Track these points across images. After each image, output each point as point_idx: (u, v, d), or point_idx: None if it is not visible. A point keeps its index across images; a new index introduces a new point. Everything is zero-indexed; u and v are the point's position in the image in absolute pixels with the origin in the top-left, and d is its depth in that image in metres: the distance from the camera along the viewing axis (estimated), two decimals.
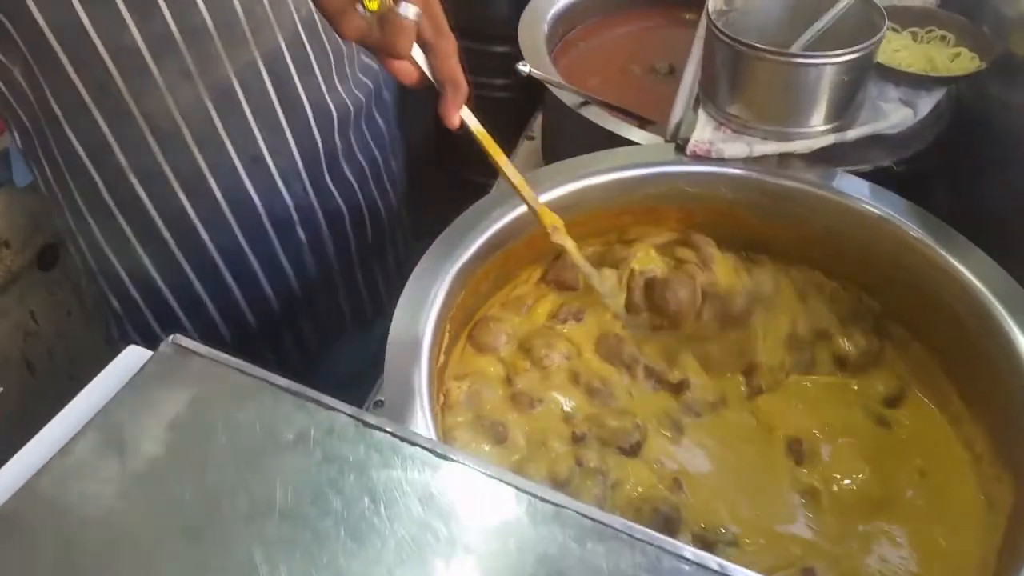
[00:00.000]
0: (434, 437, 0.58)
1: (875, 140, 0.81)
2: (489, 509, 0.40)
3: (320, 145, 0.89)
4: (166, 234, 0.84)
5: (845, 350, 0.74)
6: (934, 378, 0.73)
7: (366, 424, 0.42)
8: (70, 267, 1.19)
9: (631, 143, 0.84)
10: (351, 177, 0.95)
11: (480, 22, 1.40)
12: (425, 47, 0.64)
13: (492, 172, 0.72)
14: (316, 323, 0.98)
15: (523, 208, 0.73)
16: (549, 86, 0.90)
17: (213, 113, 0.79)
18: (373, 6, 0.59)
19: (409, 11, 0.60)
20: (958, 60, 0.85)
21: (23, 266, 1.13)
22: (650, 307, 0.75)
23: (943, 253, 0.71)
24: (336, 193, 0.93)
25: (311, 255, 0.93)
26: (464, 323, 0.74)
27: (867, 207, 0.74)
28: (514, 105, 1.63)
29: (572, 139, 0.92)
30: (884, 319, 0.77)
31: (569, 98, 0.89)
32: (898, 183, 0.76)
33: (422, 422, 0.58)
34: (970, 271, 0.69)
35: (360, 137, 0.96)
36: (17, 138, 0.84)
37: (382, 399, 0.68)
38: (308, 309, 0.96)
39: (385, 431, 0.42)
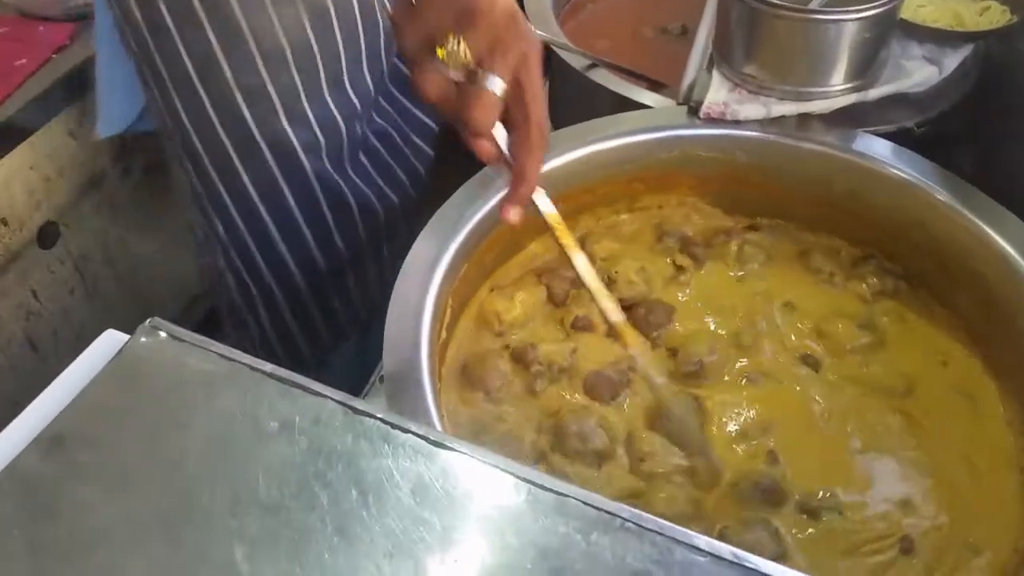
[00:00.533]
0: (434, 414, 0.55)
1: (898, 100, 0.77)
2: (486, 499, 0.38)
3: (385, 70, 0.89)
4: (268, 155, 0.84)
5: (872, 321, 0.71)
6: (961, 347, 0.70)
7: (355, 411, 0.39)
8: (71, 245, 1.17)
9: (642, 107, 0.81)
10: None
11: None
12: (510, 128, 0.56)
13: None
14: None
15: None
16: (555, 48, 0.86)
17: (309, 31, 0.79)
18: (442, 55, 0.51)
19: (495, 85, 0.52)
20: (987, 14, 0.81)
21: (23, 244, 1.11)
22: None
23: (972, 217, 0.67)
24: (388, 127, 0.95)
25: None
26: (468, 297, 0.71)
27: (890, 169, 0.70)
28: None
29: (580, 104, 0.89)
30: (908, 286, 0.73)
31: (576, 61, 0.86)
32: (921, 146, 0.73)
33: (422, 399, 0.56)
34: (1001, 236, 0.66)
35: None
36: (134, 64, 0.84)
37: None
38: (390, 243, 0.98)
39: (375, 418, 0.39)
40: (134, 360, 0.42)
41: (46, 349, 1.19)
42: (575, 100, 0.91)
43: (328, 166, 0.88)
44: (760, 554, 0.48)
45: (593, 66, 0.85)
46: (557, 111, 1.00)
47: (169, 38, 0.78)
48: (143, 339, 0.42)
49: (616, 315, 0.63)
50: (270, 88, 0.81)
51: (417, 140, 1.01)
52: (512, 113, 0.55)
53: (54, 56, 1.06)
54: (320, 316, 0.98)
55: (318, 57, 0.81)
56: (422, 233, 0.66)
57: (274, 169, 0.85)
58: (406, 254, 0.65)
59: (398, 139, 0.98)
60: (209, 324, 1.39)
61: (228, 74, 0.80)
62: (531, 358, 0.67)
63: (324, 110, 0.84)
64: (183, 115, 0.83)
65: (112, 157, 1.19)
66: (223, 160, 0.85)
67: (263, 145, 0.84)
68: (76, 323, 1.23)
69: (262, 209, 0.88)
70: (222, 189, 0.87)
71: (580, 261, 0.61)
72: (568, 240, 0.61)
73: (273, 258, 0.91)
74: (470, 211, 0.68)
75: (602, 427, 0.63)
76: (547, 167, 0.70)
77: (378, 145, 0.95)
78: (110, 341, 0.44)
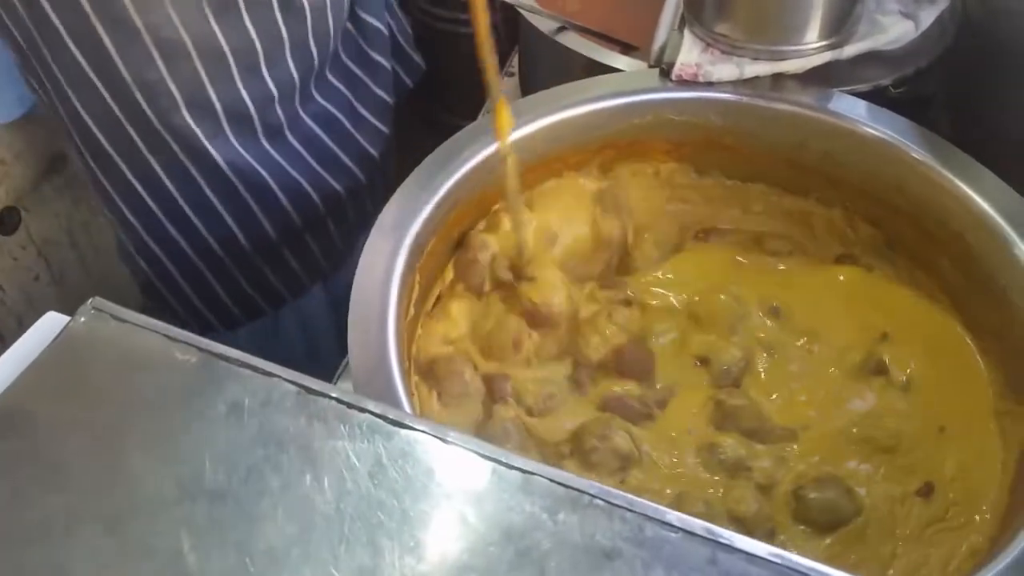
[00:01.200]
0: (402, 395, 0.53)
1: (873, 57, 0.75)
2: (447, 480, 0.36)
3: (316, 59, 0.86)
4: (173, 145, 0.82)
5: None
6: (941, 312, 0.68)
7: (309, 391, 0.37)
8: (32, 230, 1.14)
9: (613, 71, 0.78)
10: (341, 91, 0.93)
11: None
12: None
13: None
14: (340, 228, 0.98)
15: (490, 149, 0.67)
16: (521, 10, 0.83)
17: (213, 23, 0.76)
18: None
19: None
20: None
21: None
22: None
23: (951, 177, 0.65)
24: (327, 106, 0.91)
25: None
26: (437, 272, 0.69)
27: (867, 129, 0.68)
28: (496, 42, 1.55)
29: (550, 69, 0.86)
30: (886, 250, 0.72)
31: (544, 24, 0.83)
32: (899, 106, 0.71)
33: (388, 380, 0.54)
34: (980, 195, 0.64)
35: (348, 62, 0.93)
36: (13, 55, 0.82)
37: None
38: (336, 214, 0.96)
39: (330, 397, 0.37)
40: (75, 342, 0.40)
41: (11, 337, 1.16)
42: (545, 64, 0.89)
43: (242, 151, 0.85)
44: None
45: (563, 29, 0.83)
46: (527, 76, 0.97)
47: (57, 35, 0.75)
48: (84, 320, 0.40)
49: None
50: (169, 82, 0.78)
51: (372, 119, 0.98)
52: None
53: None
54: (251, 286, 0.96)
55: (224, 47, 0.78)
56: (385, 208, 0.64)
57: (181, 156, 0.83)
58: (361, 230, 0.63)
59: (347, 124, 0.95)
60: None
61: (123, 70, 0.77)
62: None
63: (233, 98, 0.82)
64: (79, 108, 0.81)
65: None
66: (129, 148, 0.82)
67: (166, 135, 0.81)
68: (41, 310, 1.19)
69: (174, 191, 0.86)
70: (130, 176, 0.85)
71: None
72: None
73: (192, 236, 0.90)
74: (436, 182, 0.65)
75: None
76: (515, 135, 0.69)
77: (319, 131, 0.92)
78: (51, 323, 0.42)
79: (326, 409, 0.37)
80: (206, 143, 0.82)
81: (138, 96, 0.79)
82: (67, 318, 0.41)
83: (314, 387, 0.37)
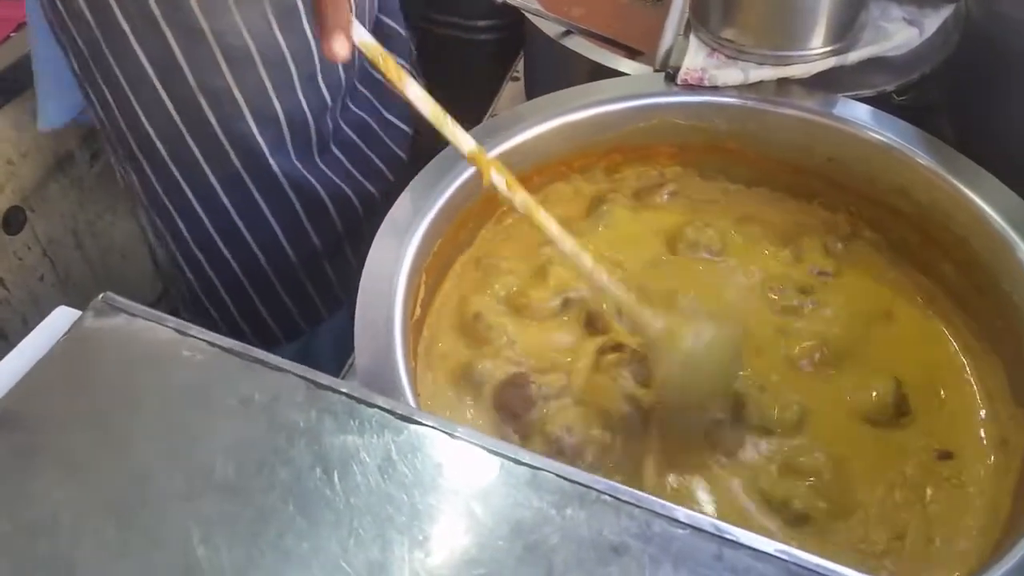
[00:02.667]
0: (409, 394, 0.54)
1: (878, 63, 0.75)
2: (456, 475, 0.36)
3: (356, 63, 0.89)
4: (232, 154, 0.82)
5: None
6: (946, 315, 0.69)
7: (319, 386, 0.38)
8: (38, 230, 1.14)
9: (618, 74, 0.79)
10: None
11: None
12: None
13: None
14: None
15: (503, 147, 0.68)
16: (527, 15, 0.84)
17: (276, 30, 0.77)
18: None
19: None
20: None
21: None
22: None
23: (954, 181, 0.66)
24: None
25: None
26: (443, 272, 0.69)
27: (871, 134, 0.69)
28: (499, 46, 1.56)
29: (555, 74, 0.87)
30: (891, 254, 0.72)
31: (550, 28, 0.83)
32: (903, 114, 0.71)
33: (396, 378, 0.54)
34: (984, 200, 0.64)
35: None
36: (74, 62, 0.82)
37: None
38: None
39: (340, 392, 0.37)
40: (86, 337, 0.40)
41: (16, 337, 1.16)
42: (550, 68, 0.89)
43: (297, 164, 0.86)
44: None
45: (568, 33, 0.83)
46: (532, 80, 0.98)
47: (124, 40, 0.76)
48: (95, 315, 0.40)
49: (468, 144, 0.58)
50: (235, 91, 0.79)
51: (396, 121, 0.99)
52: None
53: (12, 35, 1.03)
54: (292, 302, 0.96)
55: (287, 54, 0.79)
56: (390, 211, 0.64)
57: (239, 167, 0.83)
58: None
59: (376, 127, 0.96)
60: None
61: (190, 77, 0.77)
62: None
63: (294, 105, 0.82)
64: (141, 116, 0.81)
65: (80, 139, 1.16)
66: (186, 156, 0.83)
67: (227, 144, 0.82)
68: (47, 310, 1.20)
69: (227, 202, 0.86)
70: (183, 183, 0.85)
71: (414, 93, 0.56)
72: (397, 74, 0.56)
73: (239, 249, 0.89)
74: (441, 184, 0.66)
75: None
76: (519, 139, 0.69)
77: (355, 138, 0.93)
78: (62, 318, 0.42)
79: (336, 404, 0.37)
80: (268, 155, 0.83)
81: (203, 103, 0.79)
82: (78, 313, 0.41)
83: (324, 382, 0.38)
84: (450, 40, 1.59)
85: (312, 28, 0.63)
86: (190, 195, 0.85)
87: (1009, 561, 0.49)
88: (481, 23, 1.63)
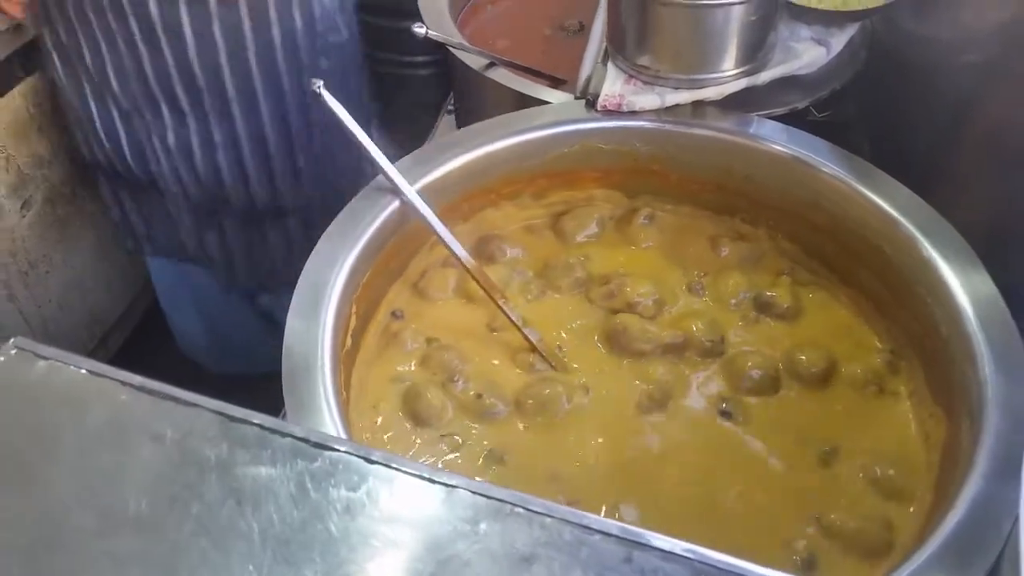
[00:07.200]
0: (339, 423, 0.54)
1: (790, 82, 0.78)
2: (371, 497, 0.36)
3: None
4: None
5: (773, 301, 0.72)
6: (867, 322, 0.71)
7: (231, 419, 0.38)
8: None
9: (542, 103, 0.80)
10: None
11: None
12: None
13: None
14: None
15: (431, 176, 0.69)
16: (451, 49, 0.86)
17: None
18: None
19: None
20: None
21: None
22: None
23: (865, 191, 0.68)
24: None
25: None
26: (374, 303, 0.70)
27: (781, 149, 0.71)
28: (436, 81, 1.58)
29: (483, 104, 0.88)
30: (810, 266, 0.74)
31: (474, 61, 0.85)
32: (821, 132, 0.74)
33: (325, 410, 0.54)
34: (895, 208, 0.67)
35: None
36: None
37: None
38: None
39: (252, 424, 0.38)
40: None
41: None
42: (477, 100, 0.91)
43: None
44: None
45: (492, 65, 0.85)
46: (462, 111, 1.00)
47: None
48: (6, 360, 0.40)
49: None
50: None
51: None
52: None
53: None
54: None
55: None
56: (320, 240, 0.65)
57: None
58: None
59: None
60: (124, 358, 1.35)
61: None
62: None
63: None
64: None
65: (10, 189, 1.15)
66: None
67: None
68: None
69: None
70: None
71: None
72: None
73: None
74: (370, 215, 0.67)
75: None
76: (445, 167, 0.70)
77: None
78: None
79: (248, 436, 0.37)
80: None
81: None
82: None
83: (236, 415, 0.38)
84: (388, 77, 1.61)
85: None
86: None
87: (929, 548, 0.50)
88: (419, 59, 1.66)
